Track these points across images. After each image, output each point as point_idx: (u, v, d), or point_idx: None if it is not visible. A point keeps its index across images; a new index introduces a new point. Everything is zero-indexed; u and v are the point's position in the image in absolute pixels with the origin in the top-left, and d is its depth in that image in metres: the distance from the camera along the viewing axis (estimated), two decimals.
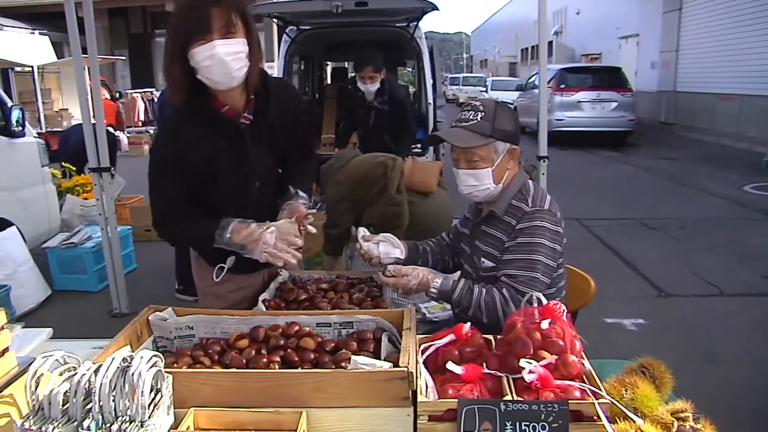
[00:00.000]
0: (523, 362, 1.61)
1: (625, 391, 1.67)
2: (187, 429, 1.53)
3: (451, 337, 1.85)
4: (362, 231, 2.51)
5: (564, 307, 1.74)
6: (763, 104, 13.49)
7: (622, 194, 9.73)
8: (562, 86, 15.42)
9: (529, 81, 18.13)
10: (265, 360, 1.79)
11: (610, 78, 15.74)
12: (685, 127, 17.09)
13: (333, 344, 1.89)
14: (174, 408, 1.54)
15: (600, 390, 1.60)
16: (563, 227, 2.29)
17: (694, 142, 15.72)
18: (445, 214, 3.82)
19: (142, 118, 18.35)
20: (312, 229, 2.23)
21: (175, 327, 2.00)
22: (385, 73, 5.26)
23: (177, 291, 5.37)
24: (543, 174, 4.73)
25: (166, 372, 1.51)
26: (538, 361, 1.63)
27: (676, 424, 1.55)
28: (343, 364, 1.74)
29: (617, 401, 1.61)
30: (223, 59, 1.91)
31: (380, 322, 1.97)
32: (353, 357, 1.61)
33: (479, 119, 2.25)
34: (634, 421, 1.54)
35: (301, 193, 2.31)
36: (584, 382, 1.68)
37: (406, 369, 1.57)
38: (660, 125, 18.60)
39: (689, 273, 5.91)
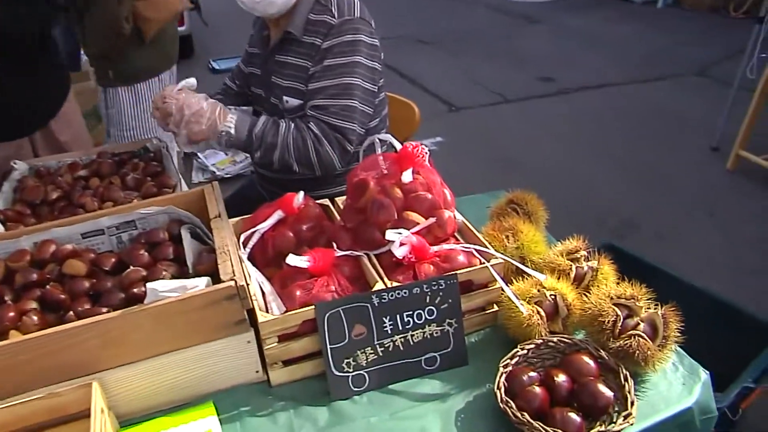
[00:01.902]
0: (389, 234, 1.19)
1: (507, 238, 1.36)
2: None
3: (278, 214, 1.35)
4: (189, 82, 1.74)
5: (425, 149, 1.31)
6: None
7: (390, 12, 9.38)
8: None
9: None
10: (12, 313, 1.14)
11: None
12: None
13: (114, 259, 1.29)
14: None
15: (488, 248, 1.25)
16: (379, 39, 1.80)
17: None
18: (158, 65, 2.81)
19: None
20: None
21: None
22: None
23: None
24: None
25: None
26: (407, 228, 1.22)
27: (574, 267, 1.29)
28: (135, 289, 1.16)
29: (505, 254, 1.28)
30: None
31: (173, 211, 1.40)
32: (149, 285, 1.05)
33: None
34: (530, 276, 1.24)
35: None
36: (459, 240, 1.33)
37: (233, 282, 1.07)
38: None
39: (473, 84, 5.93)
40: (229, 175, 4.27)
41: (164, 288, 1.03)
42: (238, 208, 1.52)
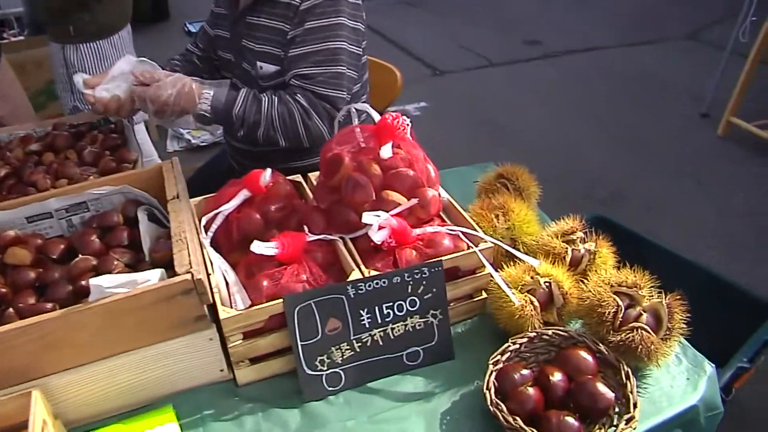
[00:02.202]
0: (366, 217, 1.07)
1: (497, 218, 1.25)
2: None
3: (244, 194, 1.22)
4: (80, 77, 1.63)
5: (407, 119, 1.19)
6: None
7: None
8: None
9: None
10: None
11: None
12: None
13: (62, 246, 1.16)
14: None
15: (476, 230, 1.14)
16: None
17: None
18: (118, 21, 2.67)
19: None
20: None
21: None
22: None
23: None
24: None
25: None
26: (387, 210, 1.10)
27: (569, 250, 1.18)
28: (84, 281, 1.04)
29: (494, 236, 1.17)
30: None
31: (129, 191, 1.27)
32: (93, 281, 0.92)
33: None
34: (523, 261, 1.13)
35: None
36: (444, 221, 1.22)
37: (189, 276, 0.94)
38: None
39: (458, 48, 5.75)
40: (205, 143, 4.09)
41: (110, 283, 0.91)
42: (209, 182, 1.39)
